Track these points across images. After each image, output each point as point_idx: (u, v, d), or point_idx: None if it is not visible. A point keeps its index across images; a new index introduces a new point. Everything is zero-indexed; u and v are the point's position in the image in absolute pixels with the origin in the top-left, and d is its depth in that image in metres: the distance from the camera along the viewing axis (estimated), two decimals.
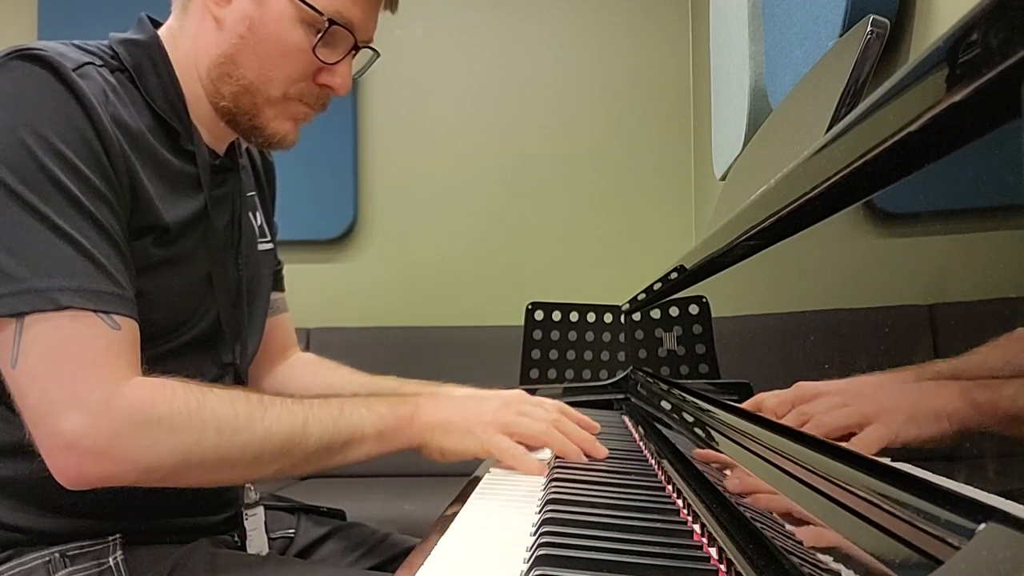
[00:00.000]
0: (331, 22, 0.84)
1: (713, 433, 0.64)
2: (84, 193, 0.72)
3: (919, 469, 0.31)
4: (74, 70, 0.74)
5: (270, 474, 0.79)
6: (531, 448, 0.87)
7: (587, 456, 0.86)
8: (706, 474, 0.63)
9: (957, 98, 0.25)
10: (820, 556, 0.35)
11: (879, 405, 0.35)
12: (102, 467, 0.71)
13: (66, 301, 0.70)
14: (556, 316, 1.48)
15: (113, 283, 0.73)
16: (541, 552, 0.50)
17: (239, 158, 0.97)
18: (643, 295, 1.21)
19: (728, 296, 0.71)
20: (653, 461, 0.87)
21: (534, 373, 1.48)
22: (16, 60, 0.74)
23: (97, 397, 0.70)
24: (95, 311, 0.71)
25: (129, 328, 0.74)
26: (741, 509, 0.50)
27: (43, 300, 0.69)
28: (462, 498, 0.75)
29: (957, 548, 0.25)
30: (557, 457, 0.86)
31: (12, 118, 0.72)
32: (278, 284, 1.10)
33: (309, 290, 2.56)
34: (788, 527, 0.41)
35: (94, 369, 0.70)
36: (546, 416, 0.88)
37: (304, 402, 0.81)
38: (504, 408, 0.88)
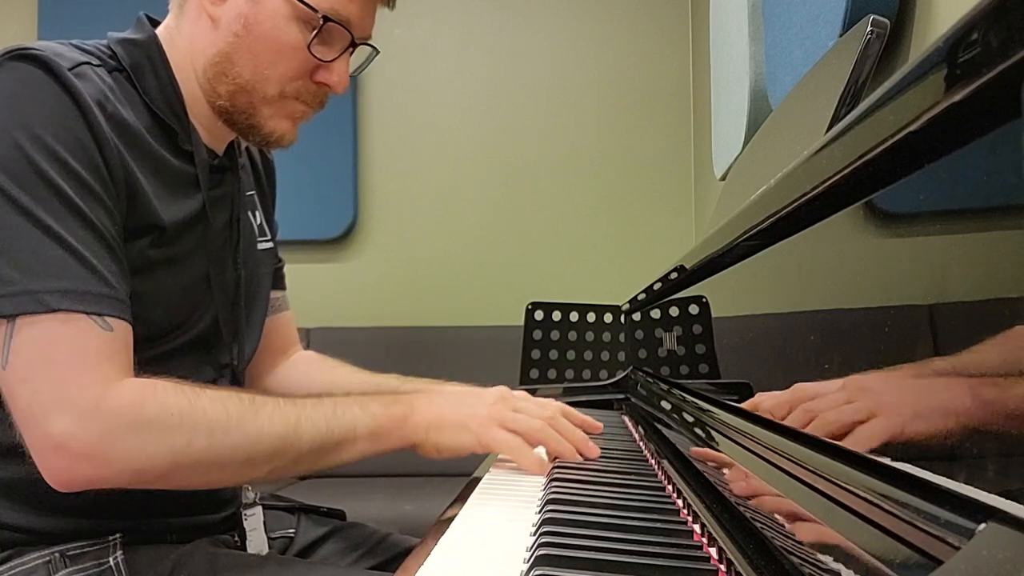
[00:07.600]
0: (326, 19, 0.83)
1: (713, 433, 0.64)
2: (78, 193, 0.72)
3: (919, 469, 0.31)
4: (70, 70, 0.74)
5: (262, 475, 0.79)
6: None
7: (581, 455, 0.86)
8: (706, 474, 0.63)
9: (957, 98, 0.25)
10: (820, 556, 0.35)
11: (879, 405, 0.35)
12: (91, 469, 0.70)
13: (56, 303, 0.69)
14: (556, 316, 1.48)
15: (104, 284, 0.72)
16: (541, 552, 0.50)
17: (238, 157, 0.97)
18: (643, 295, 1.21)
19: (728, 296, 0.70)
20: (653, 461, 0.87)
21: (534, 373, 1.48)
22: (11, 60, 0.73)
23: (87, 398, 0.69)
24: (86, 313, 0.71)
25: (121, 330, 0.73)
26: (741, 509, 0.50)
27: (33, 302, 0.69)
28: (462, 498, 0.75)
29: (957, 548, 0.25)
30: (556, 457, 0.86)
31: (6, 118, 0.72)
32: (279, 282, 1.09)
33: (309, 290, 2.55)
34: (788, 527, 0.41)
35: (84, 371, 0.70)
36: (542, 414, 0.87)
37: (297, 402, 0.80)
38: (500, 403, 0.87)
